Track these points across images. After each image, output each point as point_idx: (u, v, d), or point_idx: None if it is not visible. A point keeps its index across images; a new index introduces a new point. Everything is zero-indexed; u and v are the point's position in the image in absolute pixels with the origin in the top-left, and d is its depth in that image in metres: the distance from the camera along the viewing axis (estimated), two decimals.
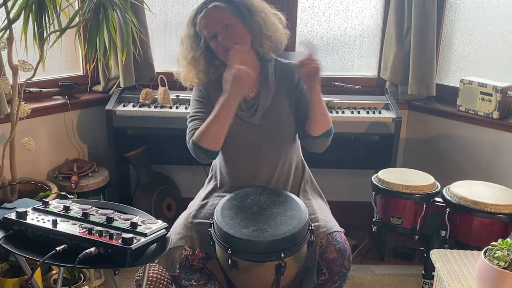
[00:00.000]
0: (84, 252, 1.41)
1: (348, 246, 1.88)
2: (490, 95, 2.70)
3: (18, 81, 2.36)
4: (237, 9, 1.92)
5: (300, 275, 1.91)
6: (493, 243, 1.69)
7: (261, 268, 1.75)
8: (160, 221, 1.61)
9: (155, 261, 1.61)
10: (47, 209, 1.66)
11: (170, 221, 1.74)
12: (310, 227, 1.82)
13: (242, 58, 1.86)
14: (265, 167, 2.02)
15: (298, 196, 2.06)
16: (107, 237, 1.47)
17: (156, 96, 2.86)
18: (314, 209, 1.98)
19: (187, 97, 2.89)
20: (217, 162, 2.13)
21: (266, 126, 2.00)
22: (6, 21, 2.24)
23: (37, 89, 2.84)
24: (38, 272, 2.32)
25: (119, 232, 1.50)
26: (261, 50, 2.00)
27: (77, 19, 2.26)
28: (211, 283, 1.90)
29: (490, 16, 2.88)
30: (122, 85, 2.94)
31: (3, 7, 2.21)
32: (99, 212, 1.66)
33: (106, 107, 2.78)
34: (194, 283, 1.86)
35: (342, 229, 1.94)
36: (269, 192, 1.96)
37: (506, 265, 1.59)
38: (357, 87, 3.12)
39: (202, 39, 1.95)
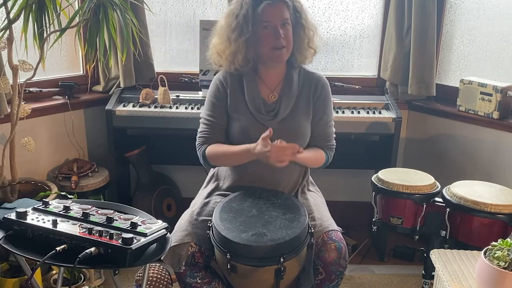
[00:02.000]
0: (84, 252, 1.42)
1: (344, 245, 1.87)
2: (490, 95, 2.70)
3: (18, 81, 2.36)
4: (295, 15, 1.97)
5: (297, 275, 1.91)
6: (493, 243, 1.69)
7: (260, 273, 1.74)
8: (160, 221, 1.62)
9: (162, 257, 1.61)
10: (47, 209, 1.66)
11: (170, 221, 1.74)
12: (309, 230, 1.81)
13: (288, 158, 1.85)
14: (275, 170, 2.01)
15: (297, 196, 2.06)
16: (107, 237, 1.47)
17: (156, 96, 2.86)
18: (311, 209, 1.98)
19: (187, 97, 2.89)
20: None
21: (282, 131, 1.98)
22: (6, 21, 2.24)
23: (37, 89, 2.83)
24: (38, 272, 2.32)
25: (119, 232, 1.50)
26: (298, 58, 2.03)
27: (77, 19, 2.26)
28: (215, 282, 1.89)
29: (490, 16, 2.88)
30: (122, 85, 2.94)
31: (3, 7, 2.21)
32: (99, 212, 1.66)
33: (106, 107, 2.77)
34: (199, 281, 1.86)
35: (338, 228, 1.94)
36: (268, 194, 1.95)
37: (506, 265, 1.59)
38: (357, 87, 3.12)
39: (255, 24, 1.93)
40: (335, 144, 2.13)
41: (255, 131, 1.98)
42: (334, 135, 2.13)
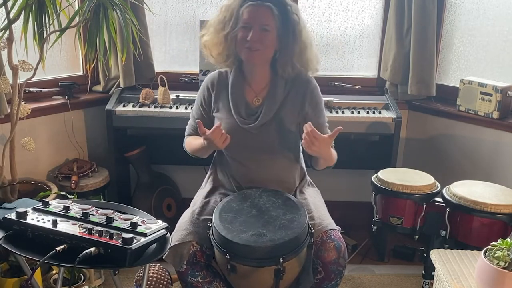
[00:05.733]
0: (84, 252, 1.42)
1: (343, 244, 1.87)
2: (490, 95, 2.70)
3: (18, 81, 2.36)
4: (284, 25, 1.93)
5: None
6: (493, 243, 1.69)
7: (260, 273, 1.74)
8: (160, 221, 1.62)
9: (163, 257, 1.62)
10: (47, 209, 1.66)
11: (170, 221, 1.74)
12: (309, 230, 1.81)
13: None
14: (261, 173, 2.02)
15: (295, 196, 2.06)
16: (107, 237, 1.48)
17: (156, 96, 2.86)
18: (310, 208, 1.98)
19: (187, 97, 2.89)
20: (217, 163, 2.14)
21: (262, 136, 2.00)
22: (6, 21, 2.24)
23: (37, 89, 2.83)
24: (38, 272, 2.32)
25: (119, 232, 1.50)
26: (280, 71, 1.99)
27: (77, 19, 2.26)
28: (216, 281, 1.90)
29: (490, 16, 2.88)
30: (122, 85, 2.94)
31: (3, 7, 2.21)
32: (99, 212, 1.66)
33: (106, 107, 2.77)
34: (200, 280, 1.86)
35: (337, 227, 1.94)
36: (268, 194, 1.95)
37: (506, 265, 1.59)
38: (357, 87, 3.12)
39: (237, 22, 1.94)
40: (333, 143, 2.11)
41: (236, 134, 1.97)
42: None
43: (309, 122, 1.83)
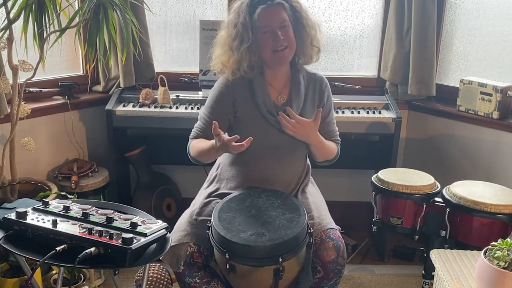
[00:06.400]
0: (84, 252, 1.42)
1: (342, 243, 1.88)
2: (490, 95, 2.70)
3: (18, 81, 2.36)
4: (295, 15, 1.97)
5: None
6: (493, 243, 1.69)
7: (259, 273, 1.74)
8: (160, 221, 1.62)
9: (160, 257, 1.62)
10: (47, 209, 1.66)
11: (170, 221, 1.74)
12: (309, 230, 1.81)
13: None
14: (279, 170, 2.03)
15: (297, 195, 2.06)
16: (107, 237, 1.48)
17: (156, 96, 2.86)
18: (310, 208, 1.98)
19: (187, 97, 2.90)
20: (227, 162, 2.12)
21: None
22: (6, 21, 2.24)
23: (37, 89, 2.83)
24: (38, 272, 2.32)
25: (119, 232, 1.50)
26: (302, 58, 2.04)
27: (77, 19, 2.26)
28: (214, 282, 1.90)
29: (490, 16, 2.88)
30: (122, 85, 2.94)
31: (3, 7, 2.21)
32: (99, 212, 1.66)
33: (106, 107, 2.77)
34: (197, 281, 1.86)
35: (337, 227, 1.95)
36: (268, 194, 1.95)
37: (506, 265, 1.59)
38: (357, 87, 3.12)
39: (254, 29, 1.94)
40: (340, 139, 2.19)
41: (264, 132, 2.00)
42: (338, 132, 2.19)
43: (287, 107, 1.95)
